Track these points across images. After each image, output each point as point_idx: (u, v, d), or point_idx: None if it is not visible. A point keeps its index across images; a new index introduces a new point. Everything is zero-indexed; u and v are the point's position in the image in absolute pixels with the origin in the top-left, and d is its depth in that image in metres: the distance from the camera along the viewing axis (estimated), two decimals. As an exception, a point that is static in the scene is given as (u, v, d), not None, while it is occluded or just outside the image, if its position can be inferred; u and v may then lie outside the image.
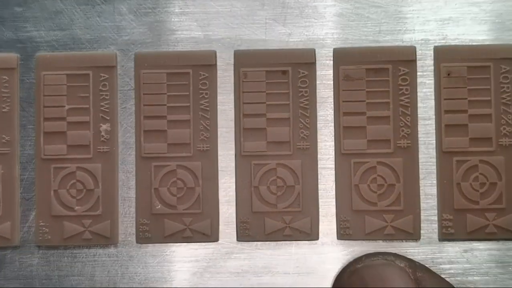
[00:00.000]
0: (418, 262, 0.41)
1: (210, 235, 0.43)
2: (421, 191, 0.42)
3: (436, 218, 0.42)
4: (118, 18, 0.43)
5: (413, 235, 0.42)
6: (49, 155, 0.42)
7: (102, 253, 0.42)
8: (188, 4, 0.43)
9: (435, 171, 0.42)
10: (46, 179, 0.42)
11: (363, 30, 0.43)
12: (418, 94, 0.43)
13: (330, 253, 0.42)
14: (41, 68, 0.43)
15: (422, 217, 0.42)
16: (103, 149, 0.43)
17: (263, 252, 0.43)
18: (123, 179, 0.43)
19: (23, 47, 0.43)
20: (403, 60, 0.43)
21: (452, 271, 0.42)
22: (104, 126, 0.43)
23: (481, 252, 0.42)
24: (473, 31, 0.43)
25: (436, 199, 0.42)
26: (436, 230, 0.42)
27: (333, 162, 0.43)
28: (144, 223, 0.42)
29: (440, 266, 0.42)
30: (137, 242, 0.42)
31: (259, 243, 0.43)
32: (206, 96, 0.43)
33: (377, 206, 0.42)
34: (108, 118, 0.43)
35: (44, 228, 0.42)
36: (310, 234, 0.43)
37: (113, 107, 0.43)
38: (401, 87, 0.43)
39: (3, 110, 0.43)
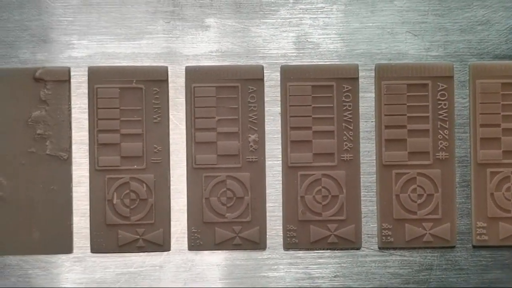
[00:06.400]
0: None
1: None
2: None
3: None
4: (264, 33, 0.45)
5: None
6: (200, 164, 0.44)
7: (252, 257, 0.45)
8: (330, 17, 0.45)
9: None
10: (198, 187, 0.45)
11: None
12: None
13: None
14: (191, 80, 0.45)
15: None
16: (251, 158, 0.45)
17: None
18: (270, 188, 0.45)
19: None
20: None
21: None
22: (253, 137, 0.45)
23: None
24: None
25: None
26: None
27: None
28: (291, 229, 0.45)
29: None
30: (284, 248, 0.45)
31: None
32: (349, 108, 0.45)
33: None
34: (256, 128, 0.45)
35: (196, 235, 0.44)
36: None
37: (261, 117, 0.45)
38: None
39: (154, 120, 0.45)
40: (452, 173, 0.45)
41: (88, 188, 0.44)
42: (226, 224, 0.44)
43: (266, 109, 0.45)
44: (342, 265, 0.45)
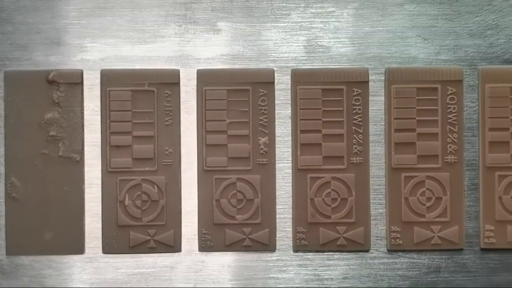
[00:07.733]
0: None
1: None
2: None
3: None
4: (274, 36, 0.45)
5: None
6: (211, 167, 0.45)
7: (261, 258, 0.45)
8: (341, 21, 0.45)
9: None
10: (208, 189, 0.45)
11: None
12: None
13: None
14: (202, 83, 0.45)
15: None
16: (262, 161, 0.45)
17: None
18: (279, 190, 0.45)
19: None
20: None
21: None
22: (263, 139, 0.45)
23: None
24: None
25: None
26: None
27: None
28: (301, 231, 0.45)
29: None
30: (294, 250, 0.45)
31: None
32: (359, 112, 0.45)
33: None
34: (266, 131, 0.45)
35: (206, 236, 0.45)
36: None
37: (271, 120, 0.45)
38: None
39: (166, 123, 0.45)
40: (461, 176, 0.45)
41: (100, 189, 0.45)
42: (236, 226, 0.45)
43: (276, 112, 0.45)
44: (351, 267, 0.45)
